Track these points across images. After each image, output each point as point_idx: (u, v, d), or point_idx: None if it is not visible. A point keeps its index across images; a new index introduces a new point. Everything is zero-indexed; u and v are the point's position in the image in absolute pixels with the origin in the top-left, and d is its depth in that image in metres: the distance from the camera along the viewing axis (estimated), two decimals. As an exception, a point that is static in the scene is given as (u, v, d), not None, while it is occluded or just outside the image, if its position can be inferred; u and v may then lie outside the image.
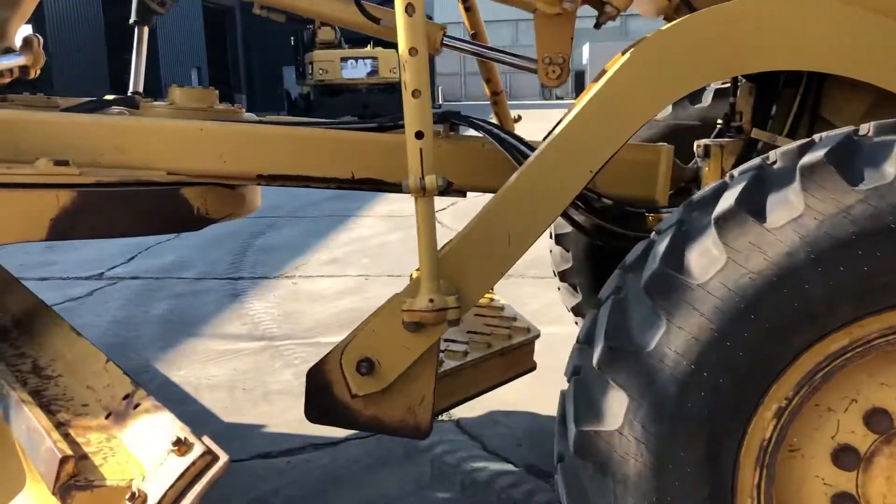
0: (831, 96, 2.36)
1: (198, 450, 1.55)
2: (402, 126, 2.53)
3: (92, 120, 2.41)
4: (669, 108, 3.55)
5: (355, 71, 24.79)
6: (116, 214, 2.29)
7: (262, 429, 3.52)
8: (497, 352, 2.96)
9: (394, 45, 2.08)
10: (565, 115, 2.19)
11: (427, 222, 2.00)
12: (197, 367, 4.26)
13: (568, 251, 3.72)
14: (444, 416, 3.57)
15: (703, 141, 2.64)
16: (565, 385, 1.74)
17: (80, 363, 2.12)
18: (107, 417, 1.86)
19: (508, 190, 2.08)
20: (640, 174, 2.61)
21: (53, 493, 1.53)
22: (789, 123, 2.34)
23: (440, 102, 49.16)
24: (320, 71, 24.56)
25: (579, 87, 64.08)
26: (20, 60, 3.32)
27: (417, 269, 2.15)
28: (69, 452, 1.57)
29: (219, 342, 4.69)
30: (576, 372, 1.70)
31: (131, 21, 3.60)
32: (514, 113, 3.60)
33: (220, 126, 2.45)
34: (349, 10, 2.66)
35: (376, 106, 24.85)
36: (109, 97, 2.80)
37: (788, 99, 2.36)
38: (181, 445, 1.58)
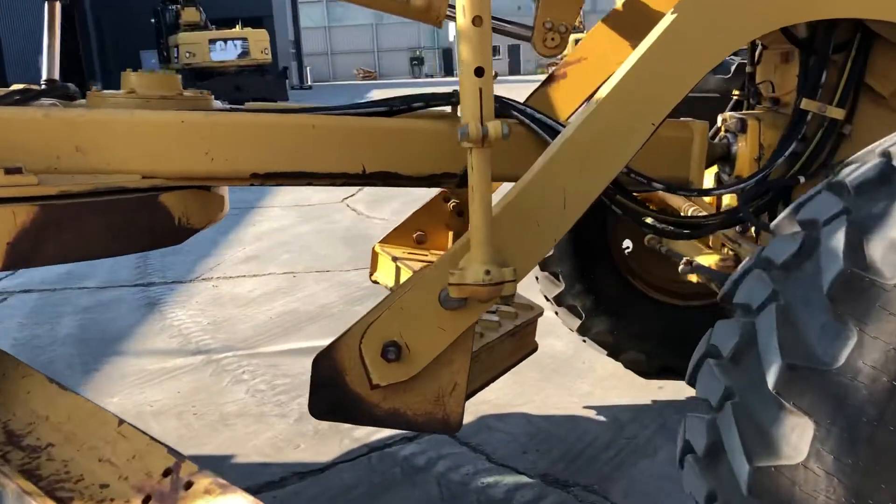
0: (877, 63, 2.21)
1: None
2: (416, 108, 2.22)
3: (44, 115, 1.94)
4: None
5: (225, 53, 23.69)
6: (87, 231, 1.87)
7: (230, 460, 3.10)
8: (509, 332, 2.69)
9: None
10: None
11: (483, 179, 1.70)
12: (133, 392, 3.75)
13: (556, 274, 3.49)
14: (432, 426, 3.27)
15: (735, 114, 2.44)
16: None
17: (77, 427, 1.68)
18: (145, 503, 1.46)
19: (565, 145, 1.85)
20: (672, 153, 2.38)
21: None
22: (840, 92, 2.17)
23: (309, 83, 48.03)
24: (187, 54, 23.31)
25: (448, 65, 64.38)
26: None
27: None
28: None
29: (150, 360, 4.16)
30: (727, 396, 1.44)
31: (41, -4, 3.06)
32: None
33: (205, 117, 2.03)
34: None
35: (249, 89, 23.84)
36: (33, 87, 2.31)
37: (837, 66, 2.19)
38: None
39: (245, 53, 23.84)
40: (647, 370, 3.64)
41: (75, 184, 1.87)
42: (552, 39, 2.66)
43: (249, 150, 2.05)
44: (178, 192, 2.02)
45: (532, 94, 3.11)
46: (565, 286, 3.53)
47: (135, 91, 2.17)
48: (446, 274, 1.79)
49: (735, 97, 2.65)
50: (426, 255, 3.33)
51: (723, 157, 2.46)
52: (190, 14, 24.33)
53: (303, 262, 6.11)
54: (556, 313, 3.71)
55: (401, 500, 2.76)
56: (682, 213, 2.67)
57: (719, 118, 2.55)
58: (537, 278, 3.70)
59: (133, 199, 1.94)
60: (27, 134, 1.92)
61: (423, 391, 1.93)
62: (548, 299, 3.71)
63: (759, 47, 2.55)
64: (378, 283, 3.36)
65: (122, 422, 1.59)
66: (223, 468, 3.01)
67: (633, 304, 3.55)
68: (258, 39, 24.13)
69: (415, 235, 3.34)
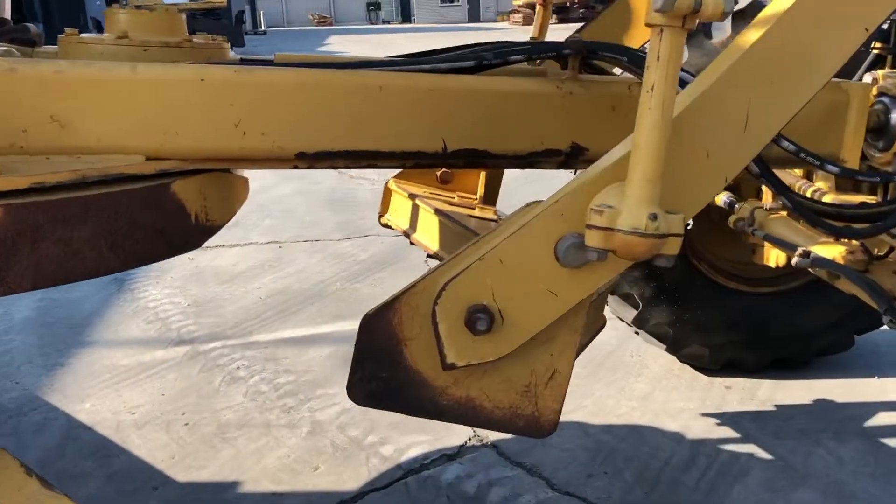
0: None
1: None
2: (513, 61, 1.67)
3: (7, 69, 1.34)
4: (729, 30, 2.83)
5: (177, -6, 22.35)
6: (75, 241, 1.31)
7: (236, 489, 2.56)
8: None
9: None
10: None
11: (669, 77, 1.21)
12: (108, 395, 3.18)
13: None
14: (474, 440, 2.78)
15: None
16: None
17: None
18: None
19: (755, 46, 1.35)
20: (819, 121, 1.88)
21: None
22: None
23: (263, 28, 46.30)
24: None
25: (405, 11, 62.74)
26: None
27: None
28: None
29: (125, 352, 3.58)
30: None
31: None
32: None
33: (235, 74, 1.46)
34: None
35: (204, 33, 22.63)
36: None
37: None
38: None
39: (199, -5, 22.56)
40: (711, 366, 3.19)
41: (54, 171, 1.29)
42: None
43: (295, 121, 1.49)
44: (194, 178, 1.46)
45: (589, 20, 2.59)
46: (643, 307, 3.05)
47: (127, 35, 1.58)
48: (570, 215, 1.31)
49: (876, 51, 2.14)
50: (452, 198, 2.82)
51: (876, 128, 1.96)
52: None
53: (288, 229, 5.51)
54: (637, 333, 3.23)
55: (456, 544, 2.28)
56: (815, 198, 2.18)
57: (867, 76, 2.04)
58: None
59: (136, 190, 1.37)
60: (-22, 98, 1.33)
61: (511, 376, 1.47)
62: (629, 323, 3.22)
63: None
64: (389, 225, 2.85)
65: None
66: (230, 500, 2.48)
67: (696, 290, 3.07)
68: (213, -20, 22.85)
69: (439, 173, 2.82)
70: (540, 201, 1.40)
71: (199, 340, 3.69)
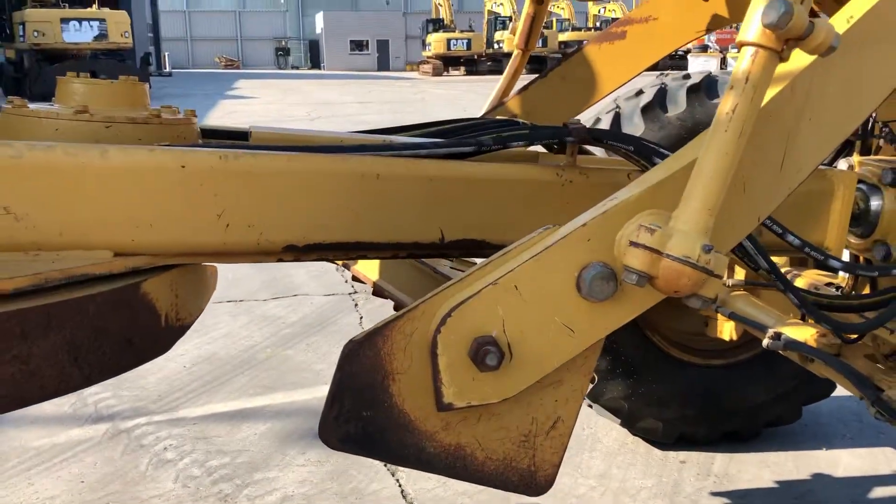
0: None
1: None
2: (512, 143, 1.57)
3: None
4: (684, 103, 2.85)
5: (79, 34, 21.69)
6: (36, 359, 1.12)
7: None
8: None
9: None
10: None
11: (753, 100, 1.14)
12: (17, 483, 2.85)
13: None
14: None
15: (876, 160, 1.95)
16: None
17: None
18: None
19: (804, 74, 1.29)
20: (804, 210, 1.86)
21: None
22: None
23: (168, 69, 45.34)
24: (35, 33, 21.17)
25: (314, 56, 62.78)
26: None
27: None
28: None
29: (36, 432, 3.25)
30: None
31: None
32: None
33: (218, 161, 1.31)
34: None
35: (107, 75, 21.91)
36: None
37: None
38: None
39: (103, 36, 21.90)
40: (664, 439, 3.13)
41: (10, 275, 1.10)
42: None
43: (285, 212, 1.35)
44: (165, 275, 1.29)
45: (573, 52, 2.54)
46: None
47: (87, 109, 1.40)
48: (598, 242, 1.20)
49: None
50: None
51: (855, 214, 1.96)
52: (40, -12, 22.12)
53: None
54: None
55: None
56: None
57: (842, 163, 2.04)
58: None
59: (102, 294, 1.19)
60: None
61: (508, 424, 1.31)
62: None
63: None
64: (358, 279, 2.57)
65: None
66: None
67: (650, 363, 3.03)
68: (118, 21, 22.26)
69: None
70: (556, 226, 1.27)
71: (119, 416, 3.39)
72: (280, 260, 1.38)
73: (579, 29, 44.42)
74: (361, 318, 4.70)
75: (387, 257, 1.50)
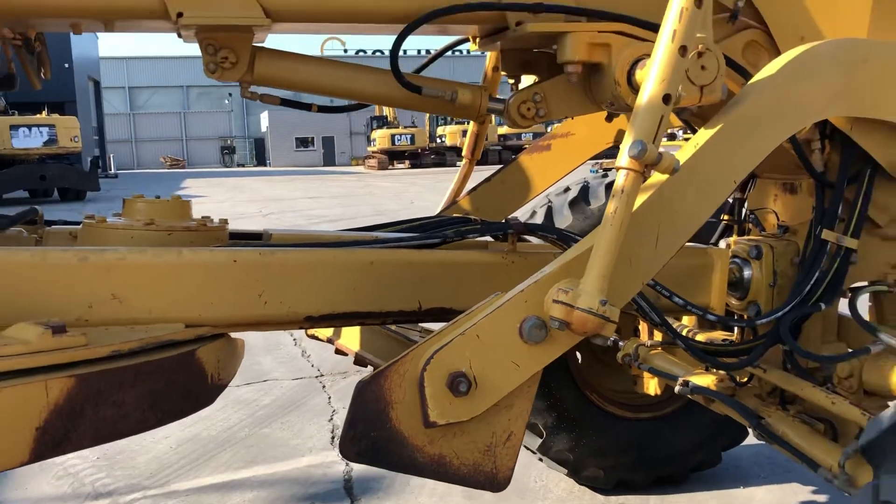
0: (876, 195, 2.38)
1: None
2: (468, 235, 2.10)
3: (79, 259, 1.63)
4: (604, 197, 3.44)
5: (29, 140, 22.02)
6: (127, 404, 1.55)
7: None
8: None
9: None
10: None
11: (627, 203, 1.64)
12: (32, 555, 3.16)
13: None
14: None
15: (746, 240, 2.52)
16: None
17: None
18: None
19: (666, 184, 1.81)
20: (691, 280, 2.41)
21: None
22: (854, 223, 2.30)
23: (114, 171, 45.56)
24: (-24, 141, 21.36)
25: (259, 154, 63.78)
26: None
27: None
28: None
29: (40, 510, 3.55)
30: None
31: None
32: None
33: (259, 256, 1.80)
34: (382, 83, 2.18)
35: (56, 178, 22.26)
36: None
37: (848, 199, 2.34)
38: None
39: (52, 141, 22.27)
40: (605, 485, 3.60)
41: (125, 341, 1.56)
42: (528, 110, 2.55)
43: (305, 292, 1.84)
44: (212, 344, 1.76)
45: (510, 161, 3.12)
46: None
47: (153, 221, 1.89)
48: (533, 302, 1.67)
49: (724, 222, 2.76)
50: None
51: (733, 282, 2.52)
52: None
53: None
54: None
55: None
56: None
57: (721, 243, 2.63)
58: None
59: (173, 357, 1.64)
60: (55, 281, 1.60)
61: (476, 438, 1.74)
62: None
63: (749, 176, 2.69)
64: (316, 336, 3.00)
65: None
66: None
67: (590, 418, 3.52)
68: (67, 126, 22.69)
69: None
70: (502, 293, 1.75)
71: (117, 492, 3.72)
72: (301, 327, 1.86)
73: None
74: (329, 397, 5.10)
75: (377, 323, 1.98)
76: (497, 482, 1.77)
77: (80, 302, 1.60)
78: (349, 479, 3.85)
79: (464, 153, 3.18)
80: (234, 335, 1.96)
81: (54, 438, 1.45)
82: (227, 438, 4.41)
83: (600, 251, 1.65)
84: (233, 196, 24.79)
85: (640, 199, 1.76)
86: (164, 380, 1.64)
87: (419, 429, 1.68)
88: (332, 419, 4.67)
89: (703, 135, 1.86)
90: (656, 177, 1.77)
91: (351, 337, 2.86)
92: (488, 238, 2.30)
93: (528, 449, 3.64)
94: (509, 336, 1.69)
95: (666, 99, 1.65)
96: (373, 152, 44.87)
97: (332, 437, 4.39)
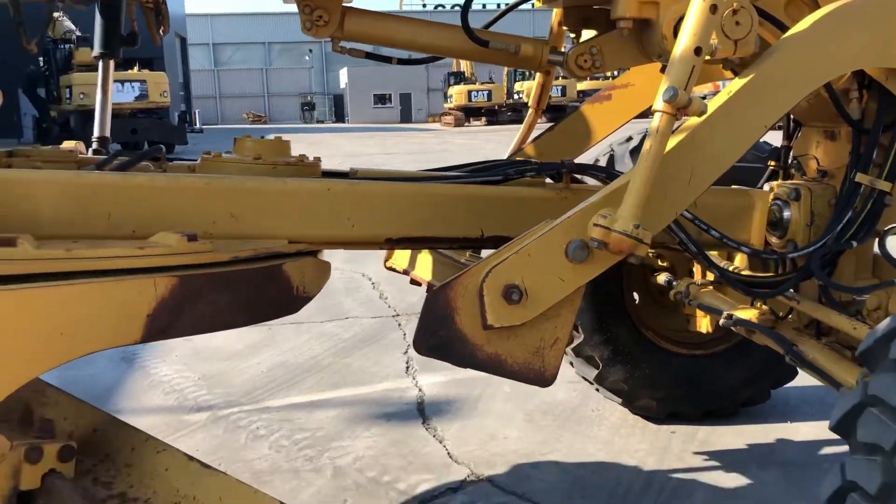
0: None
1: None
2: (529, 174, 2.39)
3: (205, 183, 1.99)
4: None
5: (122, 95, 22.96)
6: (219, 304, 1.82)
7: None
8: None
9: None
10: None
11: (660, 144, 1.90)
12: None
13: (575, 326, 3.69)
14: (472, 477, 3.38)
15: (788, 183, 2.73)
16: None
17: None
18: None
19: (697, 130, 2.04)
20: (733, 219, 2.64)
21: None
22: (888, 167, 2.49)
23: (199, 126, 47.06)
24: (81, 95, 22.45)
25: (338, 110, 64.67)
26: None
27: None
28: None
29: (153, 419, 4.06)
30: None
31: (94, 54, 3.07)
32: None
33: (348, 186, 2.13)
34: (455, 38, 2.48)
35: (146, 132, 23.24)
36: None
37: (884, 145, 2.52)
38: None
39: (143, 96, 23.23)
40: (658, 415, 3.87)
41: (240, 249, 1.91)
42: (585, 62, 2.78)
43: (385, 217, 2.16)
44: (298, 262, 2.03)
45: (572, 113, 3.38)
46: (584, 337, 3.74)
47: (262, 157, 2.25)
48: (577, 227, 1.94)
49: (771, 167, 2.96)
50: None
51: (773, 222, 2.74)
52: (83, 54, 23.50)
53: (271, 313, 6.06)
54: (571, 363, 3.91)
55: (471, 550, 2.85)
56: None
57: (766, 186, 2.84)
58: (571, 363, 3.90)
59: (262, 269, 1.92)
60: (186, 201, 1.97)
61: (527, 340, 2.01)
62: (590, 381, 3.91)
63: (795, 125, 2.88)
64: (394, 268, 3.37)
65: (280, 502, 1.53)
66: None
67: (645, 353, 3.79)
68: (157, 82, 23.61)
69: None
70: (552, 220, 2.03)
71: (216, 407, 4.20)
72: (381, 247, 2.19)
73: (597, 78, 45.66)
74: (405, 334, 5.49)
75: (445, 247, 2.29)
76: (545, 378, 2.07)
77: (206, 219, 1.96)
78: (422, 402, 4.23)
79: (530, 103, 3.44)
80: (321, 257, 2.30)
81: (161, 325, 1.73)
82: (313, 365, 4.85)
83: (636, 184, 1.91)
84: (312, 151, 25.22)
85: (676, 140, 2.01)
86: (254, 287, 1.91)
87: (478, 331, 1.99)
88: (406, 352, 5.06)
89: (737, 83, 2.09)
90: (692, 120, 2.02)
91: (424, 269, 3.20)
92: (549, 180, 2.58)
93: (585, 380, 3.94)
94: (556, 255, 1.97)
95: (697, 51, 1.89)
96: (449, 109, 44.98)
97: (407, 367, 4.78)
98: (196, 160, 2.45)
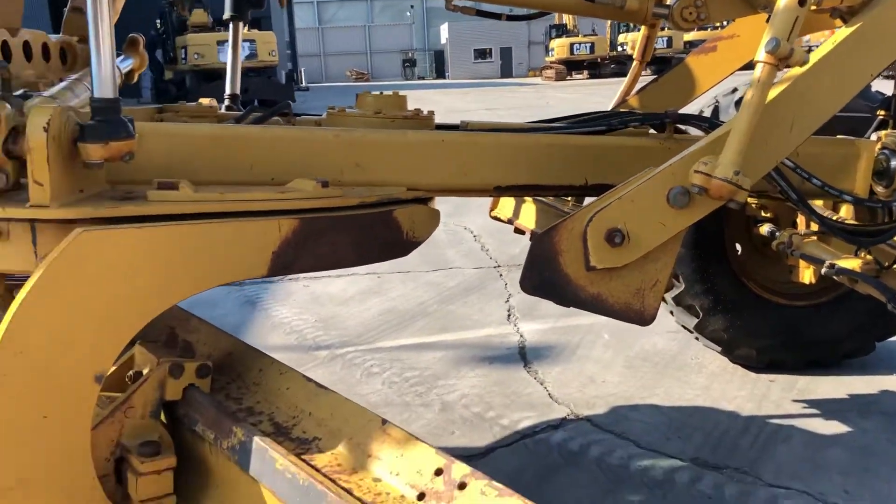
0: None
1: None
2: (632, 125, 2.50)
3: (334, 135, 2.20)
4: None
5: (233, 55, 23.76)
6: (337, 244, 1.99)
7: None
8: None
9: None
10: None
11: (762, 94, 1.98)
12: (273, 385, 3.99)
13: (676, 275, 3.77)
14: (571, 416, 3.55)
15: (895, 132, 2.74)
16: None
17: (341, 424, 1.78)
18: (420, 499, 1.46)
19: (803, 76, 2.10)
20: (838, 168, 2.67)
21: None
22: None
23: (305, 84, 48.12)
24: (195, 56, 23.43)
25: (439, 66, 64.72)
26: (130, 64, 2.99)
27: None
28: None
29: (275, 355, 4.39)
30: None
31: (225, 16, 3.32)
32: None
33: (461, 137, 2.30)
34: None
35: (257, 90, 24.01)
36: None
37: None
38: None
39: (253, 55, 23.96)
40: (757, 364, 3.93)
41: (366, 196, 2.12)
42: (690, 14, 2.83)
43: (494, 166, 2.32)
44: (408, 208, 2.15)
45: (677, 65, 3.44)
46: (685, 287, 3.82)
47: (382, 111, 2.44)
48: (679, 174, 2.05)
49: (881, 117, 2.95)
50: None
51: (879, 171, 2.76)
52: (198, 16, 24.44)
53: (381, 264, 6.34)
54: (672, 312, 4.00)
55: (571, 483, 3.03)
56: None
57: (874, 136, 2.84)
58: (671, 312, 4.00)
59: (374, 214, 2.07)
60: (317, 151, 2.18)
61: (628, 282, 2.14)
62: (664, 299, 4.00)
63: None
64: (499, 217, 3.54)
65: (385, 421, 1.68)
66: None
67: (746, 303, 3.84)
68: (266, 41, 24.29)
69: None
70: (654, 168, 2.14)
71: (333, 347, 4.52)
72: (490, 195, 2.36)
73: (705, 28, 43.93)
74: (506, 283, 5.68)
75: (551, 194, 2.44)
76: (644, 318, 2.20)
77: (335, 168, 2.17)
78: (523, 348, 4.43)
79: (634, 55, 3.51)
80: (433, 206, 2.48)
81: (285, 261, 1.89)
82: (420, 311, 5.11)
83: (737, 131, 2.00)
84: (409, 105, 25.67)
85: (778, 89, 2.08)
86: (368, 230, 2.06)
87: (582, 272, 2.14)
88: (508, 301, 5.25)
89: (844, 31, 2.13)
90: (795, 70, 2.09)
91: (528, 217, 3.36)
92: (653, 131, 2.68)
93: (685, 329, 4.03)
94: (658, 201, 2.09)
95: (801, 2, 1.95)
96: (550, 62, 44.35)
97: (508, 315, 4.97)
98: (321, 115, 2.67)
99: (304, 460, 1.64)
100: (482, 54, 59.06)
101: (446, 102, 27.49)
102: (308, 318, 5.03)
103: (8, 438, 1.52)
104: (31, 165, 1.63)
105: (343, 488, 1.54)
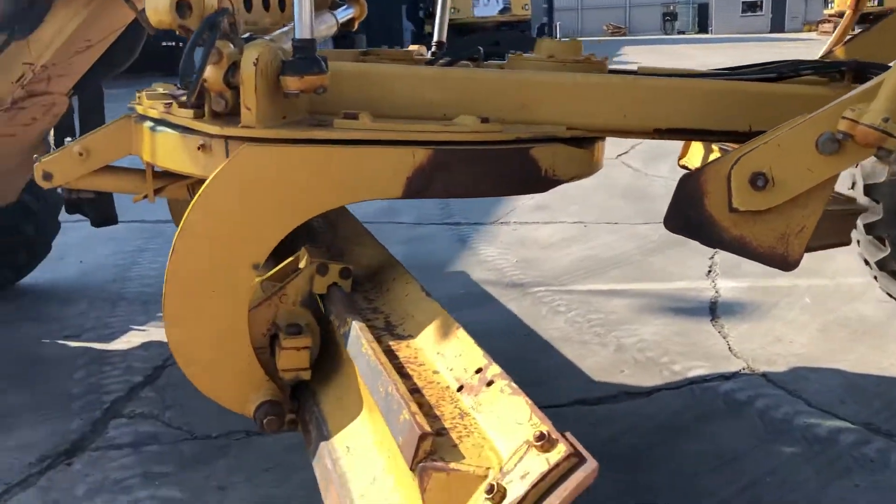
0: None
1: (562, 450, 1.28)
2: (805, 72, 2.48)
3: (500, 76, 2.43)
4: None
5: (487, 9, 24.45)
6: (470, 174, 2.17)
7: (562, 378, 3.57)
8: (835, 211, 2.95)
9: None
10: None
11: None
12: (463, 313, 4.37)
13: (878, 202, 3.58)
14: (746, 371, 3.55)
15: None
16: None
17: (429, 326, 2.02)
18: (459, 391, 1.67)
19: None
20: None
21: (411, 469, 1.40)
22: None
23: (558, 37, 48.05)
24: (452, 10, 24.29)
25: (702, 20, 61.40)
26: (350, 13, 3.40)
27: None
28: (428, 429, 1.42)
29: (474, 287, 4.78)
30: None
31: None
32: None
33: (622, 80, 2.43)
34: None
35: (508, 44, 24.47)
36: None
37: None
38: (544, 442, 1.31)
39: (506, 9, 24.48)
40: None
41: (522, 132, 2.33)
42: None
43: (656, 109, 2.42)
44: (548, 147, 2.26)
45: (864, 30, 3.25)
46: (891, 251, 3.62)
47: (554, 56, 2.63)
48: (830, 120, 2.03)
49: None
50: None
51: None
52: (456, -28, 25.36)
53: (590, 214, 6.50)
54: (876, 277, 3.81)
55: (726, 427, 3.09)
56: None
57: None
58: (858, 241, 3.81)
59: (507, 150, 2.21)
60: (484, 90, 2.43)
61: (773, 226, 2.14)
62: (868, 264, 3.82)
63: None
64: (686, 166, 3.56)
65: (459, 327, 1.89)
66: (557, 384, 3.50)
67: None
68: (520, -5, 24.68)
69: None
70: (805, 115, 2.12)
71: (527, 286, 4.79)
72: (650, 137, 2.47)
73: None
74: (716, 241, 5.58)
75: (712, 140, 2.48)
76: (788, 263, 2.22)
77: (500, 107, 2.41)
78: (715, 303, 4.41)
79: (848, 3, 3.34)
80: (591, 147, 2.59)
81: (418, 186, 2.10)
82: (619, 261, 5.23)
83: (891, 79, 1.96)
84: (664, 63, 24.80)
85: None
86: (503, 164, 2.21)
87: (725, 213, 2.19)
88: (712, 258, 5.18)
89: None
90: None
91: (693, 159, 3.39)
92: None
93: (891, 297, 3.82)
94: (806, 146, 2.09)
95: None
96: (829, 16, 40.37)
97: (709, 271, 4.94)
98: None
99: (390, 348, 1.97)
100: (751, 6, 55.10)
101: (702, 58, 26.23)
102: (510, 258, 5.34)
103: (191, 300, 1.99)
104: (243, 93, 2.05)
105: (403, 373, 1.82)
